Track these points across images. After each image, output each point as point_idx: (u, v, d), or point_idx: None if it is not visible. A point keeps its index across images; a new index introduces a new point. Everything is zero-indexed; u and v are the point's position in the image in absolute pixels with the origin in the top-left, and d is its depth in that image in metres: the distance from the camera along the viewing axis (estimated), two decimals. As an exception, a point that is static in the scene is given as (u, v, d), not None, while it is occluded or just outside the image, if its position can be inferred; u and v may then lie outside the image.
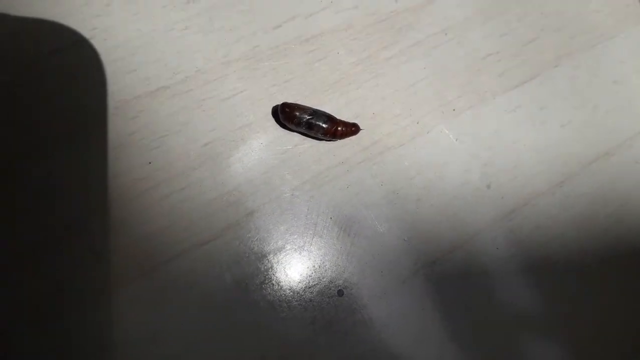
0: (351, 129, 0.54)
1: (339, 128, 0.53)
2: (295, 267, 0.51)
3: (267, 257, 0.51)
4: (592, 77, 0.64)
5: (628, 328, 0.57)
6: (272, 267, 0.51)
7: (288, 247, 0.52)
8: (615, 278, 0.58)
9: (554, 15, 0.65)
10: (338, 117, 0.54)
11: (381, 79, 0.58)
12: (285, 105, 0.52)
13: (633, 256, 0.59)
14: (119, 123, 0.51)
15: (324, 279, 0.52)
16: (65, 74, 0.52)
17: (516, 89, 0.61)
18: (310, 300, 0.51)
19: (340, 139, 0.54)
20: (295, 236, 0.52)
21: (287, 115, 0.52)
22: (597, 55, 0.65)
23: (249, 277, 0.50)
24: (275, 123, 0.54)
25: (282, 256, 0.51)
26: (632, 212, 0.60)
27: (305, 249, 0.52)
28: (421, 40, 0.60)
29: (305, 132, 0.53)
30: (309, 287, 0.51)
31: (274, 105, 0.55)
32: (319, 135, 0.53)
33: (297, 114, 0.52)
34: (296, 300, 0.50)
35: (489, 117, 0.59)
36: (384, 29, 0.59)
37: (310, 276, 0.51)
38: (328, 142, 0.55)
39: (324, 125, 0.52)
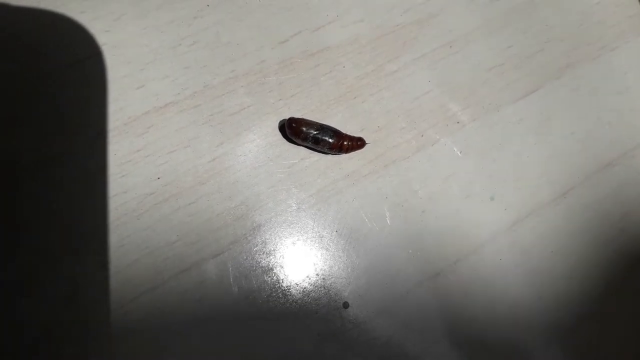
0: (357, 144, 0.54)
1: (345, 142, 0.53)
2: (301, 280, 0.52)
3: (273, 270, 0.52)
4: (595, 89, 0.64)
5: (631, 338, 0.57)
6: (278, 280, 0.51)
7: (294, 260, 0.52)
8: (619, 288, 0.58)
9: (558, 27, 0.65)
10: (343, 130, 0.55)
11: (386, 93, 0.58)
12: (292, 120, 0.52)
13: (637, 266, 0.59)
14: (128, 139, 0.52)
15: (330, 292, 0.52)
16: (74, 90, 0.52)
17: (520, 101, 0.61)
18: (316, 313, 0.51)
19: (346, 153, 0.55)
20: (302, 249, 0.53)
21: (294, 131, 0.52)
22: (600, 67, 0.65)
23: (256, 290, 0.51)
24: (282, 137, 0.55)
25: (288, 269, 0.52)
26: (635, 222, 0.61)
27: (312, 261, 0.53)
28: (426, 53, 0.61)
29: (312, 147, 0.54)
30: (315, 300, 0.52)
31: (281, 119, 0.55)
32: (326, 150, 0.54)
33: (304, 129, 0.52)
34: (302, 313, 0.51)
35: (493, 129, 0.60)
36: (389, 42, 0.60)
37: (316, 289, 0.52)
38: (334, 155, 0.55)
39: (330, 140, 0.53)
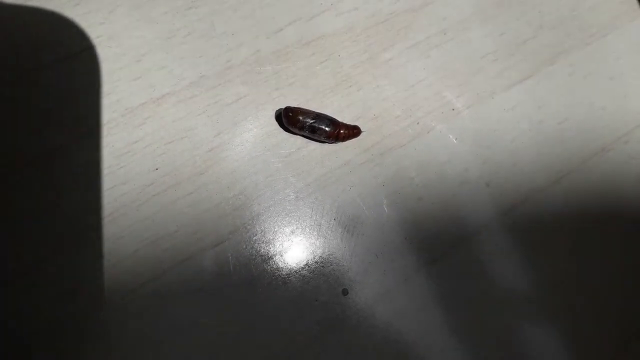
0: (353, 132, 0.54)
1: (342, 131, 0.54)
2: (300, 268, 0.52)
3: (273, 258, 0.52)
4: (588, 74, 0.65)
5: (625, 318, 0.58)
6: (278, 268, 0.52)
7: (293, 248, 0.53)
8: (615, 272, 0.59)
9: (551, 13, 0.66)
10: (340, 119, 0.55)
11: (381, 81, 0.59)
12: (288, 109, 0.53)
13: (630, 250, 0.60)
14: (126, 130, 0.52)
15: (329, 279, 0.53)
16: (71, 82, 0.52)
17: (514, 87, 0.62)
18: (316, 300, 0.52)
19: (342, 142, 0.55)
20: (300, 237, 0.53)
21: (290, 120, 0.53)
22: (593, 52, 0.66)
23: (256, 279, 0.51)
24: (278, 127, 0.55)
25: (287, 257, 0.52)
26: (628, 207, 0.62)
27: (310, 250, 0.53)
28: (420, 41, 0.61)
29: (309, 136, 0.54)
30: (315, 287, 0.52)
31: (277, 109, 0.55)
32: (322, 138, 0.54)
33: (301, 118, 0.52)
34: (302, 300, 0.52)
35: (487, 116, 0.60)
36: (384, 30, 0.60)
37: (315, 276, 0.52)
38: (330, 144, 0.55)
39: (326, 129, 0.53)
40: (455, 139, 0.59)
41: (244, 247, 0.52)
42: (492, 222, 0.57)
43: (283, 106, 0.54)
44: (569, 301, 0.57)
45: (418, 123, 0.58)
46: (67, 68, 0.53)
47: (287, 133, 0.55)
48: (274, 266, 0.52)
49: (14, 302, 0.47)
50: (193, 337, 0.49)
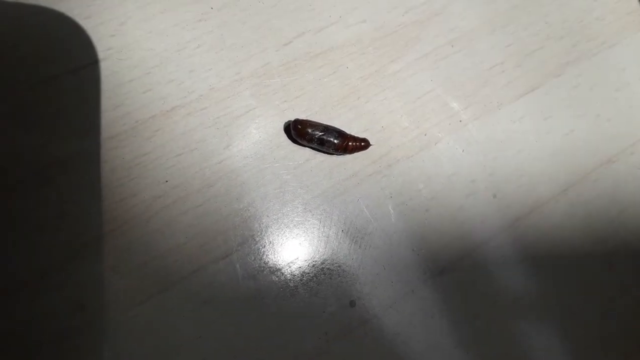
0: (361, 144, 0.55)
1: (350, 143, 0.54)
2: (308, 280, 0.53)
3: (281, 270, 0.52)
4: (594, 86, 0.65)
5: (631, 329, 0.58)
6: (286, 280, 0.52)
7: (301, 260, 0.53)
8: (620, 283, 0.59)
9: (558, 24, 0.66)
10: (348, 131, 0.55)
11: (389, 93, 0.59)
12: (297, 122, 0.53)
13: (636, 260, 0.60)
14: (136, 142, 0.52)
15: (337, 290, 0.53)
16: (81, 94, 0.53)
17: (521, 99, 0.62)
18: (324, 311, 0.52)
19: (350, 154, 0.55)
20: (309, 249, 0.53)
21: (299, 132, 0.53)
22: (599, 63, 0.66)
23: (264, 291, 0.51)
24: (287, 139, 0.55)
25: (295, 269, 0.53)
26: (634, 218, 0.62)
27: (318, 261, 0.53)
28: (428, 52, 0.61)
29: (317, 148, 0.54)
30: (322, 299, 0.52)
31: (286, 121, 0.56)
32: (330, 151, 0.54)
33: (309, 130, 0.53)
34: (310, 312, 0.52)
35: (494, 127, 0.60)
36: (392, 42, 0.60)
37: (323, 288, 0.53)
38: (339, 156, 0.56)
39: (335, 141, 0.53)
40: (463, 151, 0.59)
41: (252, 258, 0.52)
42: (499, 233, 0.58)
43: (292, 118, 0.55)
44: (576, 312, 0.57)
45: (425, 134, 0.59)
46: (77, 80, 0.53)
47: (295, 145, 0.55)
48: (282, 278, 0.52)
49: (20, 314, 0.47)
50: (201, 349, 0.49)
